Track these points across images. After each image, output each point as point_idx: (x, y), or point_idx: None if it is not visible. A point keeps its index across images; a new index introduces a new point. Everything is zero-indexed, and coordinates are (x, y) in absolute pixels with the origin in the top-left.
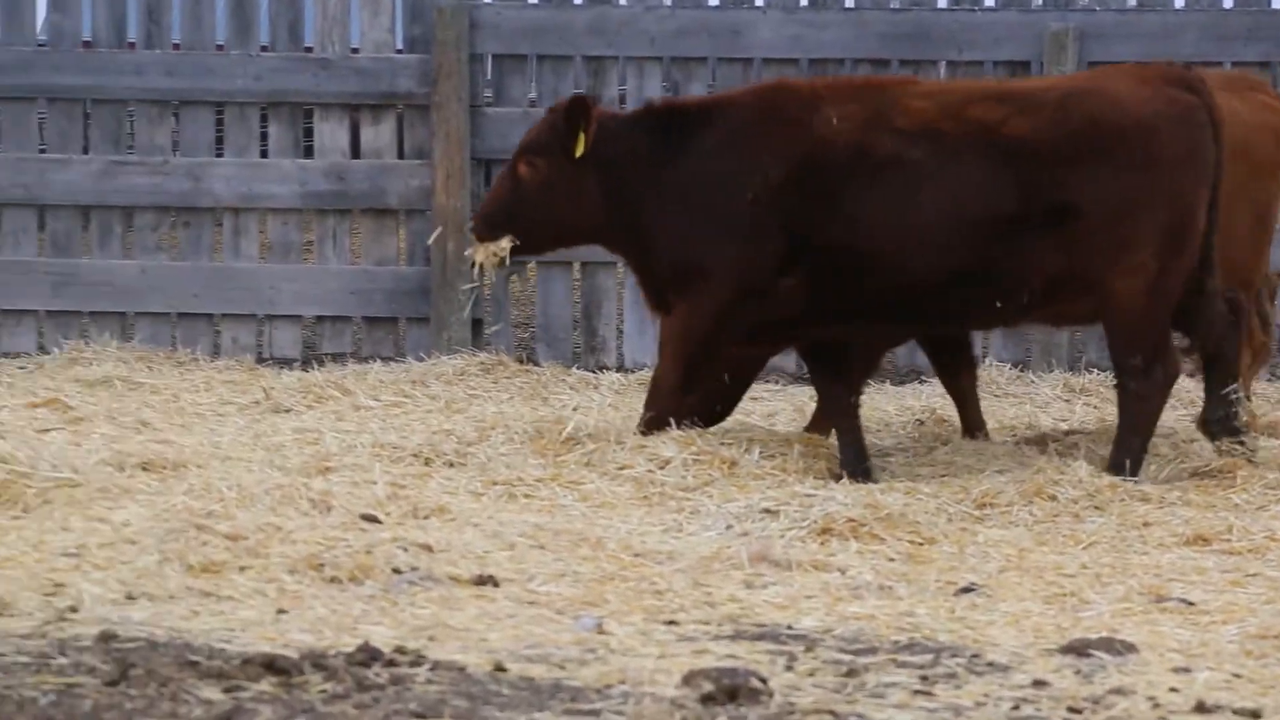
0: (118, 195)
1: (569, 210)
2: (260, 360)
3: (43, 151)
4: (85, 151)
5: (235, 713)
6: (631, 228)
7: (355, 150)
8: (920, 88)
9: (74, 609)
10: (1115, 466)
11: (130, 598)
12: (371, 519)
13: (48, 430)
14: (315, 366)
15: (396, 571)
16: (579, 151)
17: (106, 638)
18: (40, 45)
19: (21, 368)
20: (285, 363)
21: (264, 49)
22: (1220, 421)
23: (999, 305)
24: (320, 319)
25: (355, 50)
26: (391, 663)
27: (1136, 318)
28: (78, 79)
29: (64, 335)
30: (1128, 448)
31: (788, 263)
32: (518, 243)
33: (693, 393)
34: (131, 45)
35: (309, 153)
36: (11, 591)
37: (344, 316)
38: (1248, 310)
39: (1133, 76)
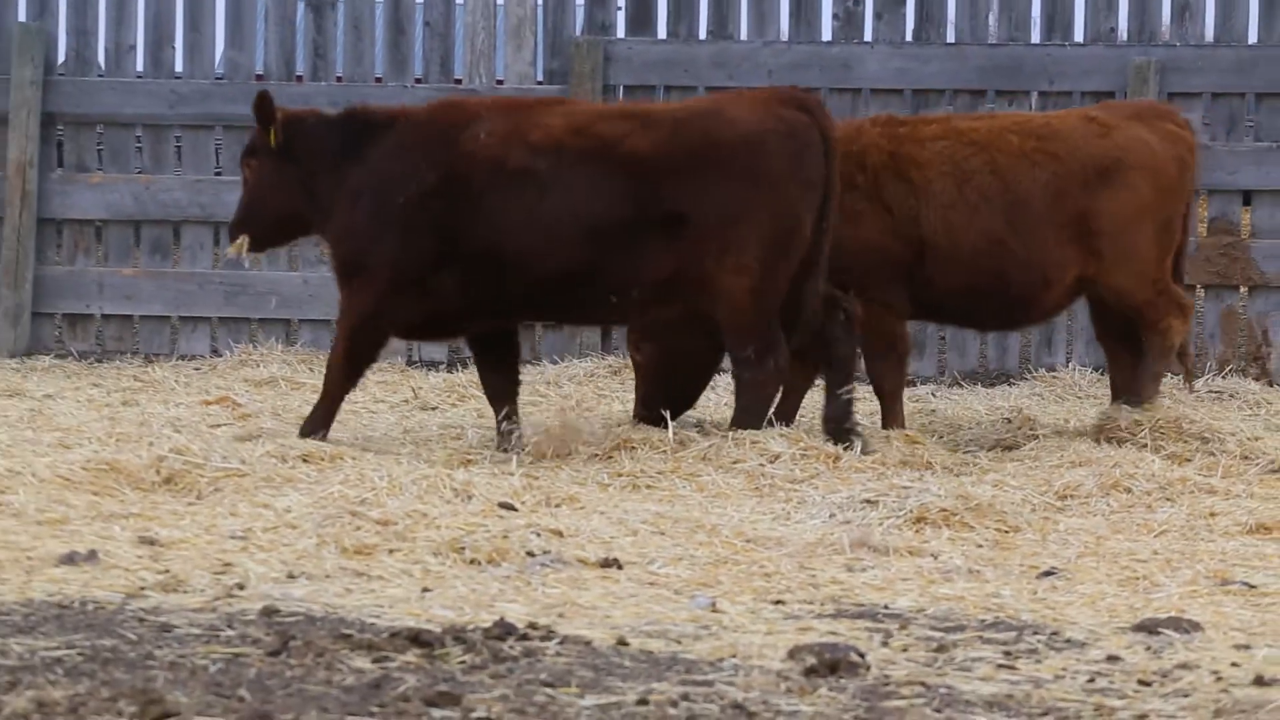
0: None
1: (283, 202)
2: (410, 363)
3: (218, 174)
4: None
5: (383, 681)
6: (323, 220)
7: None
8: (563, 107)
9: (241, 586)
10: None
11: (291, 576)
12: (508, 507)
13: (219, 425)
14: (459, 368)
15: (530, 554)
16: (273, 142)
17: (269, 612)
18: (218, 79)
19: (196, 369)
20: (432, 365)
21: (418, 81)
22: (835, 420)
23: (614, 300)
24: None
25: (500, 82)
26: (524, 637)
27: (744, 314)
28: (250, 109)
29: (234, 339)
30: (747, 426)
31: (441, 261)
32: (249, 238)
33: (359, 375)
34: (299, 78)
35: None
36: (185, 570)
37: None
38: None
39: (750, 99)
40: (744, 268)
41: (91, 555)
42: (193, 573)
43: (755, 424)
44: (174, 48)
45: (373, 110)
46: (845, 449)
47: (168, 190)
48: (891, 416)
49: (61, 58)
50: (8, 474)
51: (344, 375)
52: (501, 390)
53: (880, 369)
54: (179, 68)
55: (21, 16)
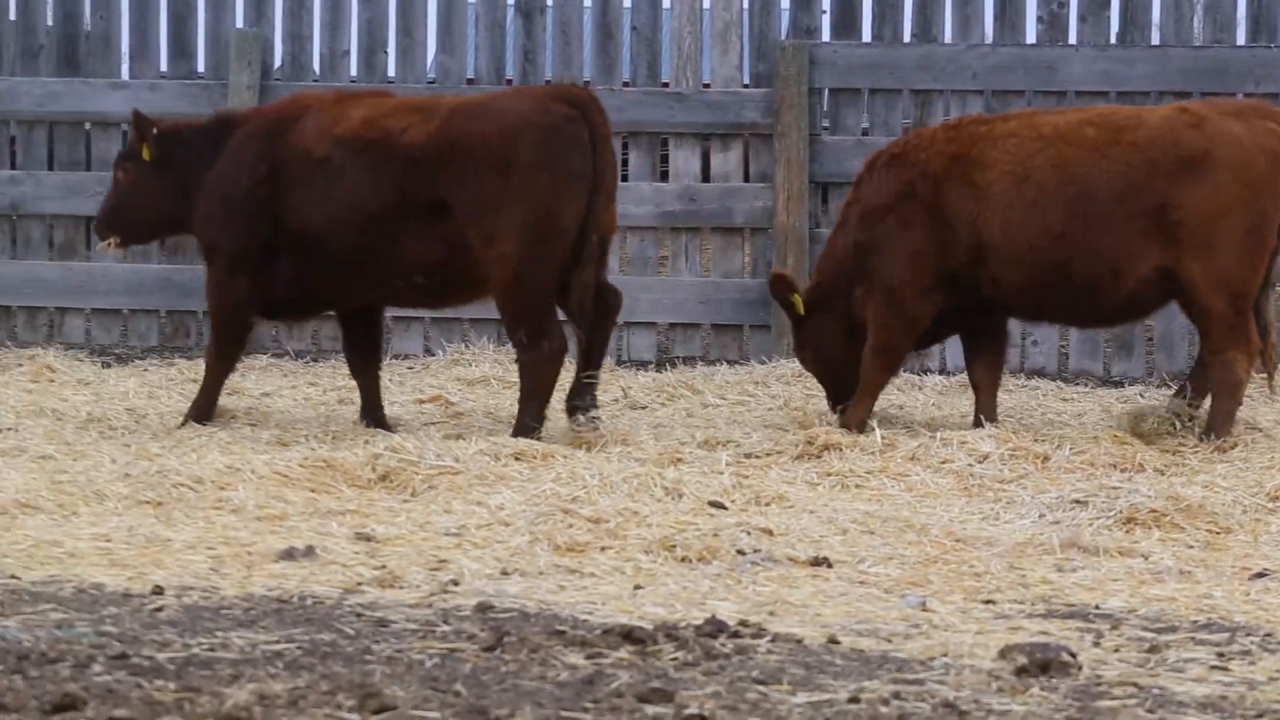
0: None
1: (152, 204)
2: (620, 362)
3: None
4: None
5: (596, 677)
6: (192, 217)
7: (705, 174)
8: (373, 99)
9: (455, 582)
10: (521, 429)
11: (504, 573)
12: (718, 505)
13: (433, 423)
14: (668, 368)
15: (740, 553)
16: (146, 156)
17: (484, 608)
18: (429, 82)
19: (410, 368)
20: (641, 364)
21: (625, 84)
22: (576, 402)
23: (400, 285)
24: (673, 325)
25: (706, 85)
26: (736, 634)
27: (509, 300)
28: None
29: (447, 340)
30: (528, 410)
31: (275, 245)
32: (118, 237)
33: (234, 358)
34: (509, 82)
35: (664, 177)
36: (402, 566)
37: (694, 324)
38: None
39: (522, 94)
40: (504, 256)
41: (310, 551)
42: (408, 569)
43: (536, 408)
44: (387, 53)
45: (235, 112)
46: (587, 430)
47: None
48: (857, 412)
49: (278, 63)
50: (228, 471)
51: (216, 357)
52: (359, 368)
53: (873, 364)
54: (391, 72)
55: (239, 23)
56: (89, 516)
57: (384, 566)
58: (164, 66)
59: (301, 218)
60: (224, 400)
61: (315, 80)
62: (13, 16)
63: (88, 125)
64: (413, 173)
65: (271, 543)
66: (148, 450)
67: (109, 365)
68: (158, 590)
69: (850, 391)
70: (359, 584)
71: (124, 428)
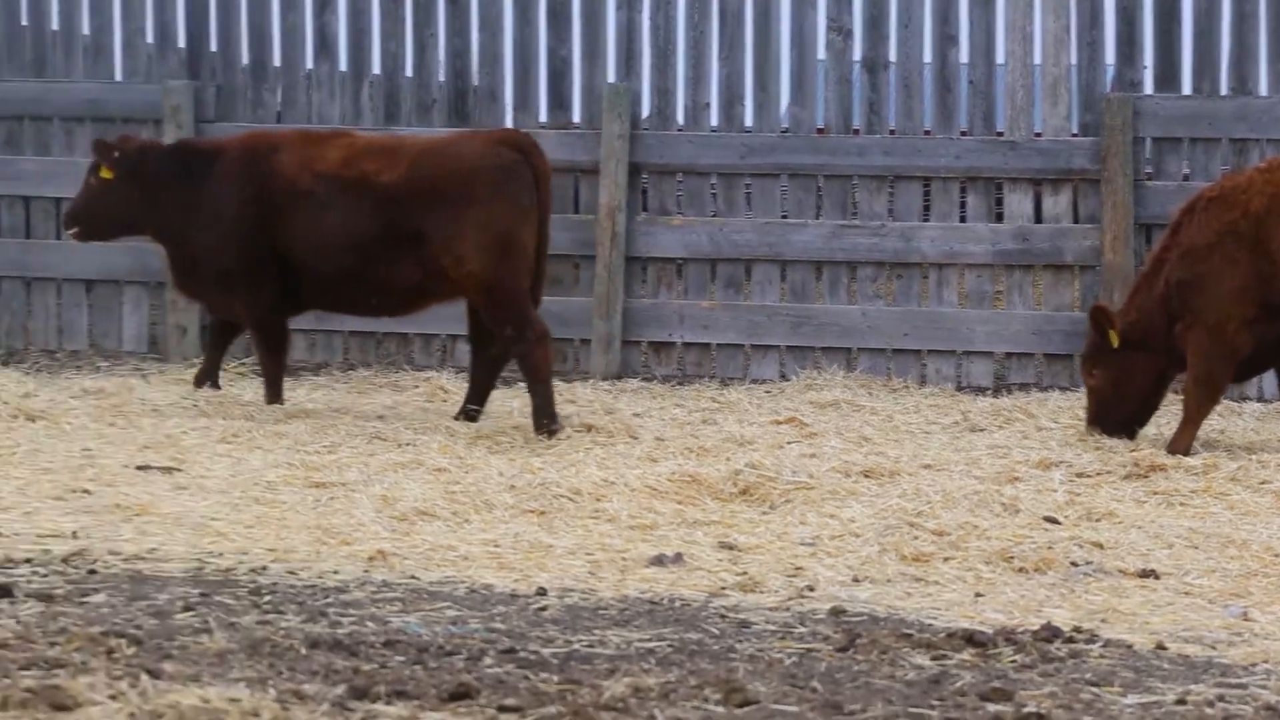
0: (843, 253)
1: (118, 210)
2: (959, 388)
3: (784, 217)
4: (817, 217)
5: (941, 677)
6: (168, 226)
7: (1037, 216)
8: (343, 140)
9: (810, 588)
10: (537, 411)
11: (855, 580)
12: (1052, 520)
13: (788, 442)
14: (1004, 394)
15: (1073, 564)
16: (106, 175)
17: (837, 612)
18: (783, 132)
19: (767, 392)
20: (979, 390)
21: (963, 134)
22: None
23: (375, 302)
24: (1008, 355)
25: (1038, 134)
26: (1070, 639)
27: (488, 307)
28: (812, 159)
29: (800, 365)
30: (539, 395)
31: (266, 260)
32: (78, 229)
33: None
34: (856, 131)
35: (999, 218)
36: (761, 572)
37: (1028, 353)
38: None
39: (474, 139)
40: (472, 273)
41: (678, 558)
42: (768, 575)
43: (546, 393)
44: (744, 105)
45: (196, 141)
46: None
47: (739, 231)
48: (1183, 438)
49: (645, 113)
50: (604, 484)
51: (265, 351)
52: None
53: (1197, 394)
54: (748, 122)
55: (610, 77)
56: (479, 523)
57: (745, 573)
58: (543, 117)
59: (290, 240)
60: (592, 418)
61: (680, 129)
62: (409, 73)
63: None
64: (392, 208)
65: (643, 550)
66: (531, 464)
67: (495, 387)
68: (541, 591)
69: (1122, 422)
70: (723, 588)
71: (509, 443)
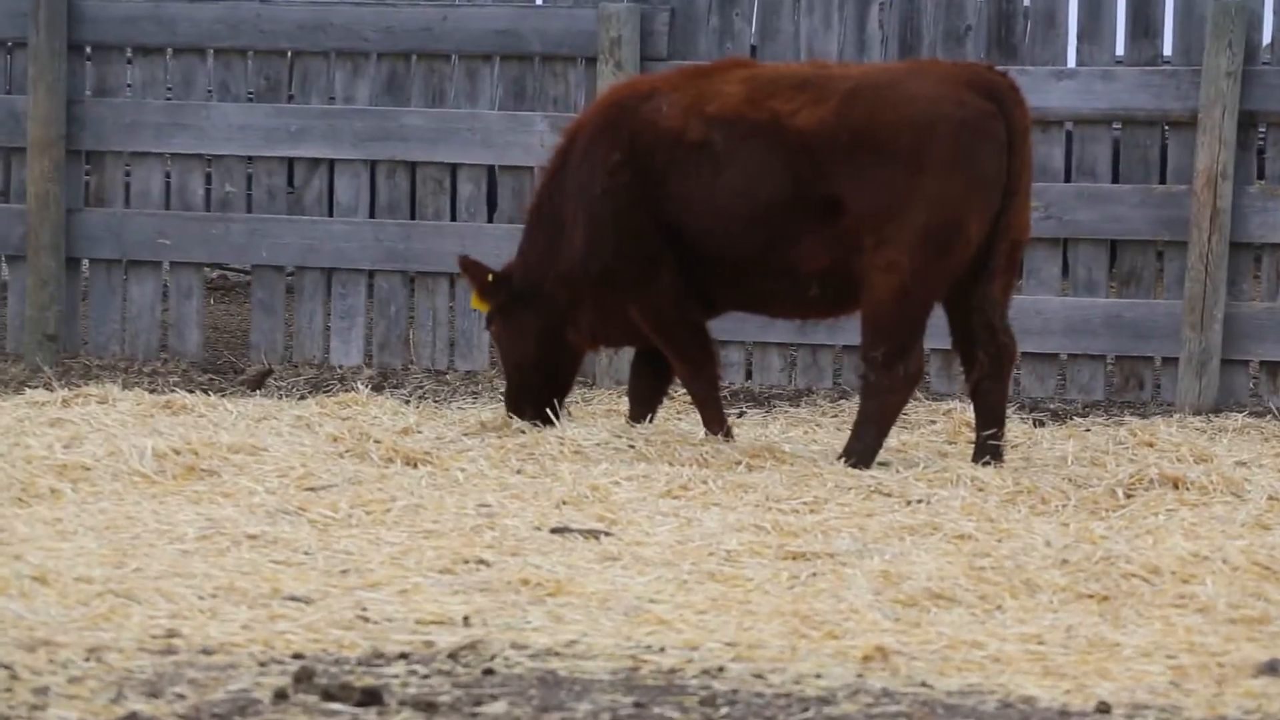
0: None
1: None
2: None
3: None
4: None
5: None
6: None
7: None
8: (741, 72)
9: None
10: (851, 452)
11: None
12: None
13: None
14: None
15: None
16: (481, 307)
17: None
18: None
19: None
20: None
21: None
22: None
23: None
24: None
25: None
26: None
27: (885, 314)
28: None
29: None
30: (864, 435)
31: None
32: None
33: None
34: None
35: None
36: None
37: None
38: None
39: (936, 75)
40: (894, 264)
41: None
42: None
43: (874, 435)
44: None
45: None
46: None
47: None
48: None
49: (1267, 39)
50: (1193, 559)
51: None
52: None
53: None
54: None
55: None
56: (1016, 612)
57: None
58: (1119, 50)
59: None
60: (1178, 468)
61: None
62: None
63: None
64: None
65: (1248, 652)
66: (1090, 531)
67: (1042, 424)
68: (1104, 708)
69: None
70: None
71: (1058, 500)
